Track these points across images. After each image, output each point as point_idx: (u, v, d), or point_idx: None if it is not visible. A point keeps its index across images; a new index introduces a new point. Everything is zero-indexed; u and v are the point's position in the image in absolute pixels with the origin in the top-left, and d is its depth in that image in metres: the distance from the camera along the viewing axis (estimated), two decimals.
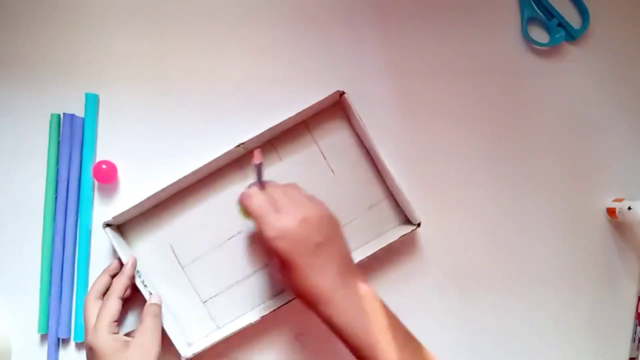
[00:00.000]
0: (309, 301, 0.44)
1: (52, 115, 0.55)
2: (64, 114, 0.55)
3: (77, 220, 0.55)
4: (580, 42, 0.57)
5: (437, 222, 0.56)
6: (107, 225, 0.52)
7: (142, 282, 0.52)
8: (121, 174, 0.56)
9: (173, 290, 0.55)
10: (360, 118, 0.52)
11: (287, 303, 0.52)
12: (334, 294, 0.44)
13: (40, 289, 0.54)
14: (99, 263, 0.55)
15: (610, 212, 0.56)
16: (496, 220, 0.57)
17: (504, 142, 0.57)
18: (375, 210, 0.56)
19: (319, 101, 0.52)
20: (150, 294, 0.52)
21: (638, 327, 0.57)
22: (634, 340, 0.57)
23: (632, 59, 0.58)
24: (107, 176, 0.54)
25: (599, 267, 0.57)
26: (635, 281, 0.57)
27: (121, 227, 0.55)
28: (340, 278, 0.44)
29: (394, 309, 0.46)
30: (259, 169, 0.48)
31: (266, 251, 0.47)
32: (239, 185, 0.55)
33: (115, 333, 0.49)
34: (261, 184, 0.48)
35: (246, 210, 0.47)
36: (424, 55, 0.57)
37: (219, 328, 0.55)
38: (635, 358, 0.57)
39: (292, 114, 0.52)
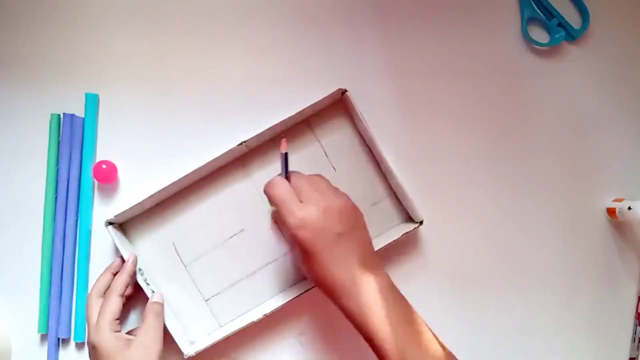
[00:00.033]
0: (328, 291, 0.45)
1: (52, 115, 0.55)
2: (64, 114, 0.55)
3: (77, 220, 0.55)
4: (580, 42, 0.57)
5: (439, 220, 0.56)
6: (110, 223, 0.52)
7: (145, 280, 0.52)
8: (121, 174, 0.56)
9: (175, 288, 0.55)
10: (362, 116, 0.52)
11: (289, 302, 0.52)
12: (353, 284, 0.44)
13: (40, 289, 0.55)
14: (99, 263, 0.55)
15: (610, 212, 0.56)
16: (497, 220, 0.57)
17: (504, 141, 0.57)
18: (377, 208, 0.56)
19: (321, 99, 0.52)
20: (153, 292, 0.52)
21: (638, 327, 0.57)
22: (634, 340, 0.57)
23: (632, 59, 0.58)
24: (107, 176, 0.54)
25: (599, 267, 0.57)
26: (635, 281, 0.57)
27: (123, 225, 0.55)
28: (361, 269, 0.44)
29: None
30: (285, 158, 0.48)
31: (288, 239, 0.47)
32: (242, 184, 0.55)
33: (117, 331, 0.49)
34: (287, 172, 0.48)
35: (270, 198, 0.47)
36: (424, 55, 0.57)
37: (221, 326, 0.55)
38: (635, 358, 0.57)
39: (294, 112, 0.52)
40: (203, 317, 0.55)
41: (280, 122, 0.52)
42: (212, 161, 0.52)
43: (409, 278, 0.55)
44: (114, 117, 0.56)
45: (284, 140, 0.48)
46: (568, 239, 0.57)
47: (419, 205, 0.53)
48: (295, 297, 0.52)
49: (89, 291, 0.53)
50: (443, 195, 0.56)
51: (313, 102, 0.52)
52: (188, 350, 0.51)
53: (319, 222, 0.44)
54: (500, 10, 0.57)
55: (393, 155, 0.54)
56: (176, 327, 0.52)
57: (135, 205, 0.52)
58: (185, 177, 0.52)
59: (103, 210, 0.56)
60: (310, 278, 0.46)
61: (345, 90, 0.52)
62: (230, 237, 0.55)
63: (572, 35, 0.57)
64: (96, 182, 0.56)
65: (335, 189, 0.48)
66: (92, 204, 0.56)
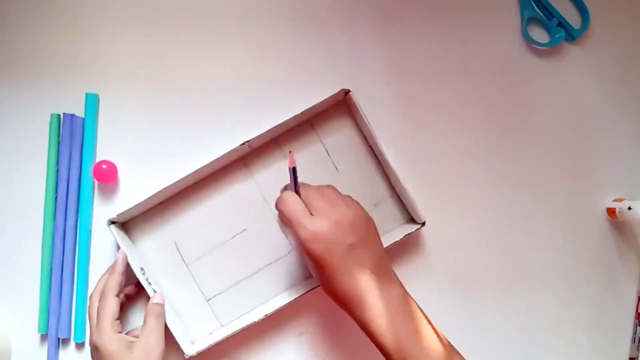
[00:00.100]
0: (343, 303, 0.44)
1: (52, 115, 0.55)
2: (64, 114, 0.55)
3: (77, 220, 0.55)
4: (580, 42, 0.58)
5: (441, 221, 0.56)
6: (112, 222, 0.52)
7: (147, 279, 0.52)
8: (121, 173, 0.56)
9: (177, 288, 0.55)
10: (365, 116, 0.52)
11: (290, 302, 0.52)
12: (368, 296, 0.43)
13: (40, 289, 0.54)
14: (99, 263, 0.55)
15: (610, 212, 0.56)
16: (497, 220, 0.57)
17: (505, 141, 0.57)
18: (380, 209, 0.56)
19: (324, 99, 0.52)
20: (155, 291, 0.52)
21: (638, 327, 0.57)
22: (634, 340, 0.57)
23: (632, 59, 0.58)
24: (107, 176, 0.54)
25: (599, 267, 0.57)
26: (635, 281, 0.58)
27: (125, 224, 0.55)
28: (374, 280, 0.44)
29: None
30: (293, 172, 0.48)
31: (301, 252, 0.47)
32: (244, 184, 0.55)
33: (119, 332, 0.49)
34: (296, 186, 0.48)
35: (281, 215, 0.46)
36: (424, 55, 0.57)
37: (222, 326, 0.55)
38: (635, 358, 0.57)
39: (295, 113, 0.52)
40: (204, 316, 0.55)
41: (283, 122, 0.52)
42: (214, 161, 0.52)
43: (410, 279, 0.55)
44: (114, 117, 0.56)
45: (291, 155, 0.48)
46: (568, 239, 0.57)
47: (423, 206, 0.53)
48: (296, 298, 0.52)
49: (90, 292, 0.53)
50: (444, 196, 0.56)
51: (314, 102, 0.52)
52: (189, 350, 0.51)
53: (330, 235, 0.44)
54: (500, 10, 0.57)
55: (395, 156, 0.54)
56: (177, 326, 0.52)
57: (138, 204, 0.52)
58: (187, 176, 0.52)
59: (103, 210, 0.56)
60: (324, 290, 0.46)
61: (349, 91, 0.52)
62: (232, 237, 0.55)
63: (572, 35, 0.57)
64: (96, 182, 0.56)
65: (346, 199, 0.47)
66: (92, 203, 0.56)
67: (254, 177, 0.55)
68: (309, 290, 0.52)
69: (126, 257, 0.52)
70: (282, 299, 0.53)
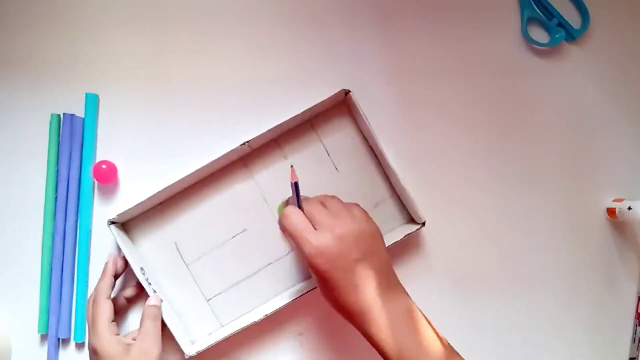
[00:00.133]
0: (350, 318, 0.44)
1: (52, 115, 0.55)
2: (64, 114, 0.55)
3: (77, 220, 0.55)
4: (580, 42, 0.58)
5: (441, 221, 0.56)
6: (112, 222, 0.52)
7: (147, 279, 0.52)
8: (121, 174, 0.56)
9: (177, 288, 0.55)
10: (365, 117, 0.52)
11: (290, 302, 0.52)
12: (374, 310, 0.43)
13: (40, 289, 0.54)
14: (99, 263, 0.55)
15: (610, 212, 0.56)
16: (497, 220, 0.57)
17: (505, 141, 0.57)
18: (380, 209, 0.56)
19: (324, 100, 0.52)
20: (154, 291, 0.52)
21: (638, 327, 0.57)
22: (634, 340, 0.57)
23: (632, 59, 0.58)
24: (107, 176, 0.54)
25: (599, 267, 0.57)
26: (635, 281, 0.58)
27: (125, 224, 0.55)
28: (381, 293, 0.44)
29: None
30: (295, 187, 0.47)
31: (306, 267, 0.47)
32: (244, 184, 0.55)
33: (117, 334, 0.49)
34: (298, 201, 0.48)
35: (284, 231, 0.46)
36: (424, 55, 0.57)
37: (222, 326, 0.55)
38: (635, 358, 0.57)
39: (295, 113, 0.52)
40: (204, 316, 0.55)
41: (283, 122, 0.52)
42: (215, 161, 0.52)
43: (410, 279, 0.55)
44: (114, 117, 0.56)
45: (292, 170, 0.48)
46: (568, 239, 0.57)
47: (423, 206, 0.53)
48: (296, 298, 0.52)
49: (90, 293, 0.53)
50: (444, 196, 0.56)
51: (314, 102, 0.52)
52: (189, 350, 0.51)
53: (334, 250, 0.43)
54: (500, 10, 0.57)
55: (395, 156, 0.54)
56: (177, 326, 0.52)
57: (138, 204, 0.52)
58: (187, 176, 0.52)
59: (103, 210, 0.56)
60: (330, 304, 0.45)
61: (349, 91, 0.52)
62: (232, 237, 0.55)
63: (572, 35, 0.57)
64: (96, 182, 0.56)
65: (352, 208, 0.47)
66: (92, 204, 0.56)
67: (254, 177, 0.55)
68: (309, 290, 0.52)
69: (116, 259, 0.53)
70: (282, 299, 0.53)
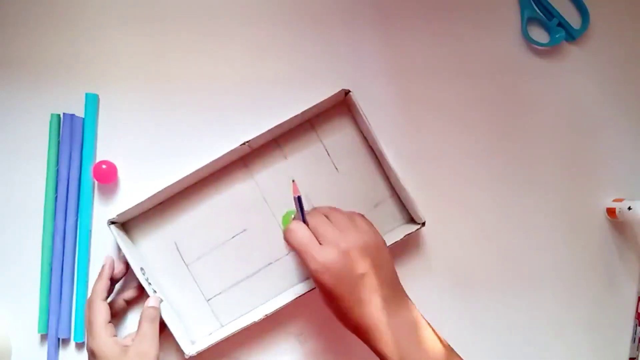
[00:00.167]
0: (356, 332, 0.44)
1: (52, 115, 0.55)
2: (64, 114, 0.55)
3: (77, 220, 0.55)
4: (580, 42, 0.58)
5: (441, 221, 0.56)
6: (112, 222, 0.52)
7: (147, 279, 0.52)
8: (121, 174, 0.56)
9: (177, 288, 0.55)
10: (365, 117, 0.52)
11: (290, 302, 0.52)
12: (382, 324, 0.43)
13: (40, 289, 0.54)
14: (99, 263, 0.55)
15: (610, 212, 0.56)
16: (497, 220, 0.57)
17: (504, 141, 0.57)
18: (380, 209, 0.56)
19: (324, 100, 0.52)
20: (155, 291, 0.52)
21: (638, 327, 0.57)
22: (634, 340, 0.57)
23: (632, 59, 0.58)
24: (107, 176, 0.54)
25: (599, 267, 0.57)
26: (635, 281, 0.58)
27: (125, 224, 0.55)
28: (387, 307, 0.44)
29: None
30: (299, 201, 0.47)
31: (312, 281, 0.47)
32: (244, 184, 0.55)
33: (114, 335, 0.49)
34: (303, 215, 0.47)
35: (290, 246, 0.46)
36: (424, 55, 0.57)
37: (222, 326, 0.55)
38: (635, 358, 0.57)
39: (296, 113, 0.52)
40: (204, 316, 0.55)
41: (283, 122, 0.52)
42: (215, 161, 0.52)
43: (410, 279, 0.55)
44: (114, 117, 0.56)
45: (294, 184, 0.47)
46: (568, 239, 0.57)
47: (423, 206, 0.53)
48: (296, 298, 0.52)
49: (89, 295, 0.53)
50: (444, 196, 0.56)
51: (313, 102, 0.52)
52: (189, 350, 0.51)
53: (340, 265, 0.43)
54: (500, 10, 0.57)
55: (395, 156, 0.54)
56: (177, 326, 0.52)
57: (138, 204, 0.52)
58: (188, 176, 0.52)
59: (103, 210, 0.56)
60: (337, 319, 0.45)
61: (349, 91, 0.52)
62: (232, 237, 0.55)
63: (572, 35, 0.57)
64: (96, 182, 0.56)
65: (356, 219, 0.47)
66: (92, 204, 0.56)
67: (254, 177, 0.55)
68: (309, 291, 0.52)
69: (113, 262, 0.53)
70: (282, 299, 0.53)
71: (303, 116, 0.53)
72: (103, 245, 0.55)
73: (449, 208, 0.56)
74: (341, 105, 0.56)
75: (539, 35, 0.57)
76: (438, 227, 0.56)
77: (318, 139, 0.56)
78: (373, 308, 0.43)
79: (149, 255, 0.55)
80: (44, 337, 0.55)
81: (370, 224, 0.47)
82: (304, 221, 0.47)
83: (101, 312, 0.49)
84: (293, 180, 0.48)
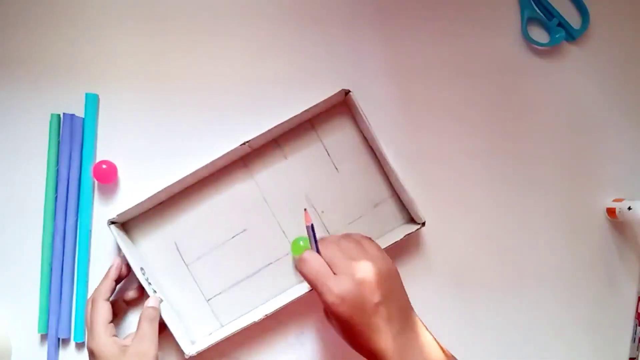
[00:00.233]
0: (369, 358, 0.44)
1: (52, 115, 0.55)
2: (64, 114, 0.55)
3: (77, 220, 0.55)
4: (580, 42, 0.58)
5: (441, 221, 0.56)
6: (112, 222, 0.52)
7: (147, 279, 0.52)
8: (121, 174, 0.56)
9: (177, 287, 0.55)
10: (365, 117, 0.52)
11: (290, 302, 0.52)
12: (399, 352, 0.43)
13: (40, 289, 0.54)
14: (99, 263, 0.55)
15: (610, 212, 0.56)
16: (497, 220, 0.57)
17: (504, 141, 0.57)
18: (380, 209, 0.56)
19: (324, 100, 0.52)
20: (155, 291, 0.52)
21: (638, 327, 0.57)
22: (634, 340, 0.57)
23: (632, 59, 0.58)
24: (107, 176, 0.54)
25: (599, 267, 0.57)
26: (635, 281, 0.58)
27: (125, 224, 0.55)
28: (403, 334, 0.44)
29: None
30: (312, 230, 0.47)
31: (325, 311, 0.47)
32: (244, 184, 0.55)
33: (114, 335, 0.49)
34: (316, 243, 0.47)
35: (304, 277, 0.46)
36: (424, 55, 0.57)
37: (222, 326, 0.55)
38: (635, 358, 0.57)
39: (296, 113, 0.52)
40: (204, 316, 0.55)
41: (283, 122, 0.52)
42: (214, 161, 0.52)
43: (410, 279, 0.55)
44: (114, 117, 0.56)
45: (306, 213, 0.47)
46: (568, 239, 0.57)
47: (423, 206, 0.53)
48: (296, 298, 0.52)
49: (89, 295, 0.53)
50: (444, 196, 0.56)
51: (313, 101, 0.52)
52: (189, 350, 0.51)
53: (356, 296, 0.43)
54: (500, 10, 0.57)
55: (395, 156, 0.54)
56: (177, 326, 0.52)
57: (138, 204, 0.52)
58: (187, 176, 0.52)
59: (103, 210, 0.56)
60: (353, 348, 0.45)
61: (349, 91, 0.52)
62: (232, 237, 0.55)
63: (572, 35, 0.57)
64: (96, 182, 0.56)
65: (365, 248, 0.47)
66: (92, 204, 0.56)
67: (254, 177, 0.55)
68: (309, 290, 0.52)
69: (121, 264, 0.53)
70: (282, 299, 0.53)
71: (303, 116, 0.53)
72: (103, 245, 0.55)
73: (449, 208, 0.56)
74: (341, 105, 0.56)
75: (539, 35, 0.57)
76: (438, 227, 0.56)
77: (318, 139, 0.56)
78: (389, 336, 0.43)
79: (149, 255, 0.55)
80: (44, 337, 0.55)
81: (379, 248, 0.47)
82: (317, 249, 0.47)
83: (103, 311, 0.49)
84: (305, 209, 0.47)
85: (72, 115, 0.55)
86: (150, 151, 0.56)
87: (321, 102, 0.52)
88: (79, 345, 0.55)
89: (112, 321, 0.50)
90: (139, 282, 0.52)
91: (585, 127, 0.57)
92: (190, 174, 0.52)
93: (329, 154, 0.56)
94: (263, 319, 0.52)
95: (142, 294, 0.54)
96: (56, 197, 0.55)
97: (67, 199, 0.55)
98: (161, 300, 0.52)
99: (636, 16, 0.58)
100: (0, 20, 0.56)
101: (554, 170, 0.57)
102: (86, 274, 0.55)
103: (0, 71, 0.56)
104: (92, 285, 0.55)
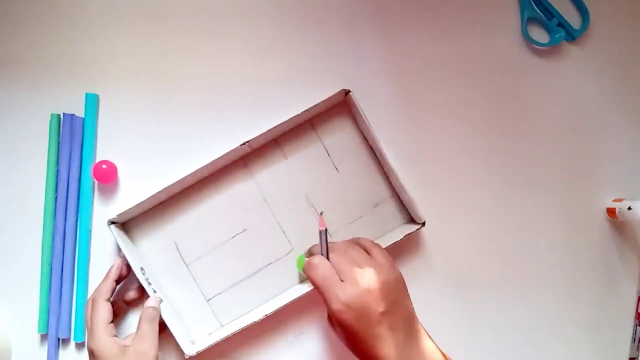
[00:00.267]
0: None
1: (52, 115, 0.55)
2: (64, 114, 0.55)
3: (77, 220, 0.55)
4: (580, 42, 0.58)
5: (441, 221, 0.56)
6: (112, 222, 0.52)
7: (147, 279, 0.52)
8: (121, 174, 0.56)
9: (177, 288, 0.55)
10: (365, 117, 0.52)
11: (290, 302, 0.52)
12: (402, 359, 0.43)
13: (40, 289, 0.54)
14: (99, 263, 0.55)
15: (610, 212, 0.56)
16: (497, 220, 0.57)
17: (504, 141, 0.57)
18: (380, 209, 0.56)
19: (325, 100, 0.52)
20: (155, 292, 0.52)
21: (638, 327, 0.57)
22: (634, 340, 0.57)
23: (632, 59, 0.58)
24: (107, 176, 0.54)
25: (599, 267, 0.57)
26: (635, 281, 0.58)
27: (125, 224, 0.55)
28: (408, 344, 0.44)
29: None
30: (324, 235, 0.47)
31: (329, 318, 0.47)
32: (244, 184, 0.55)
33: (114, 335, 0.49)
34: (327, 249, 0.47)
35: (311, 282, 0.46)
36: (424, 55, 0.57)
37: (222, 326, 0.55)
38: (635, 358, 0.57)
39: (295, 113, 0.52)
40: (204, 316, 0.55)
41: (283, 122, 0.52)
42: (214, 161, 0.52)
43: (410, 279, 0.55)
44: (114, 117, 0.56)
45: (322, 218, 0.47)
46: (568, 239, 0.57)
47: (423, 206, 0.53)
48: (296, 298, 0.52)
49: (90, 294, 0.53)
50: (444, 196, 0.56)
51: (313, 101, 0.52)
52: (189, 350, 0.51)
53: (362, 304, 0.43)
54: (500, 10, 0.57)
55: (395, 156, 0.54)
56: (177, 326, 0.52)
57: (138, 204, 0.52)
58: (187, 176, 0.52)
59: (103, 210, 0.56)
60: (354, 354, 0.45)
61: (349, 91, 0.52)
62: (232, 237, 0.55)
63: (572, 35, 0.57)
64: (96, 182, 0.56)
65: (374, 256, 0.47)
66: (92, 204, 0.56)
67: (254, 177, 0.55)
68: (309, 290, 0.52)
69: (121, 264, 0.53)
70: (282, 299, 0.53)
71: (303, 116, 0.53)
72: (103, 245, 0.55)
73: (449, 208, 0.56)
74: (341, 105, 0.56)
75: (539, 35, 0.58)
76: (438, 227, 0.56)
77: (318, 139, 0.56)
78: (394, 345, 0.43)
79: (149, 255, 0.55)
80: (44, 337, 0.55)
81: (388, 257, 0.47)
82: (326, 256, 0.47)
83: (103, 311, 0.49)
84: (321, 214, 0.47)
85: (72, 115, 0.55)
86: (150, 151, 0.56)
87: (321, 102, 0.52)
88: (79, 345, 0.55)
89: (112, 321, 0.50)
90: (139, 282, 0.52)
91: (585, 127, 0.57)
92: (190, 174, 0.52)
93: (329, 154, 0.56)
94: (263, 319, 0.52)
95: (142, 294, 0.54)
96: (56, 197, 0.55)
97: (67, 199, 0.55)
98: (161, 300, 0.52)
99: (636, 16, 0.58)
100: (0, 20, 0.56)
101: (554, 170, 0.57)
102: (86, 274, 0.55)
103: (0, 71, 0.56)
104: (92, 285, 0.55)
